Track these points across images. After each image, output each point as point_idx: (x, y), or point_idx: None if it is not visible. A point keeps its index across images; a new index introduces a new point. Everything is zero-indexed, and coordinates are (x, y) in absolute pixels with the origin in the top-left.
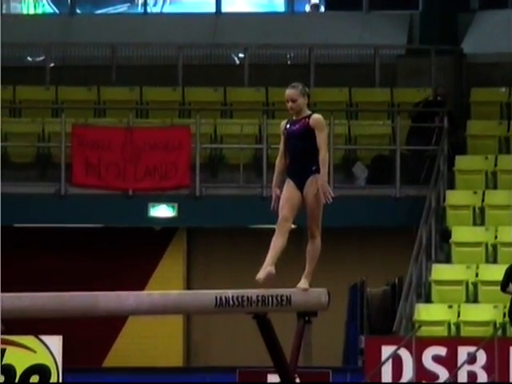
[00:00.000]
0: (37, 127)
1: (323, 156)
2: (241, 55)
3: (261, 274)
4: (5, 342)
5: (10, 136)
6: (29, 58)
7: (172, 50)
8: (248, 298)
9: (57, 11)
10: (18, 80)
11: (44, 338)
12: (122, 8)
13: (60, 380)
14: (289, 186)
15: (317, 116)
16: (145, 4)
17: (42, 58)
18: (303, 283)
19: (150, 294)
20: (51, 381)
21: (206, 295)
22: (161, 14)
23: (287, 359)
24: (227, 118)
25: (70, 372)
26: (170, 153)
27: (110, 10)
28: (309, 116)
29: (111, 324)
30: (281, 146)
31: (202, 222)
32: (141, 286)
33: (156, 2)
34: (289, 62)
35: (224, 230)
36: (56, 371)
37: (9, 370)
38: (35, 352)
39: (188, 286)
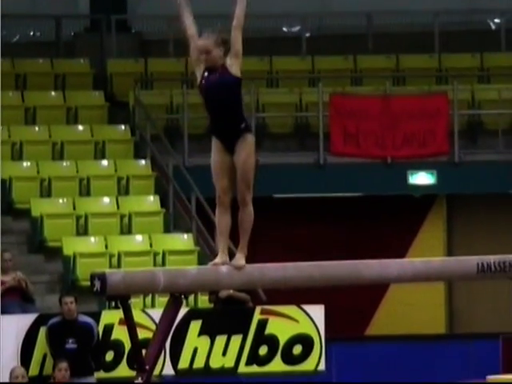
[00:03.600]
0: (294, 97)
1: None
2: (497, 20)
3: (220, 264)
4: (267, 312)
5: (267, 107)
6: (284, 29)
7: (428, 16)
8: (510, 263)
9: None
10: (274, 50)
11: (306, 307)
12: None
13: (323, 350)
14: (218, 151)
15: (232, 55)
16: None
17: (297, 28)
18: (239, 259)
19: (413, 262)
20: (314, 350)
21: (468, 262)
22: None
23: None
24: (485, 83)
25: (333, 341)
26: (428, 120)
27: None
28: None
29: (373, 292)
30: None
31: (461, 189)
32: (402, 253)
33: None
34: None
35: (484, 196)
36: (319, 341)
37: (272, 340)
38: (298, 322)
39: (449, 253)
